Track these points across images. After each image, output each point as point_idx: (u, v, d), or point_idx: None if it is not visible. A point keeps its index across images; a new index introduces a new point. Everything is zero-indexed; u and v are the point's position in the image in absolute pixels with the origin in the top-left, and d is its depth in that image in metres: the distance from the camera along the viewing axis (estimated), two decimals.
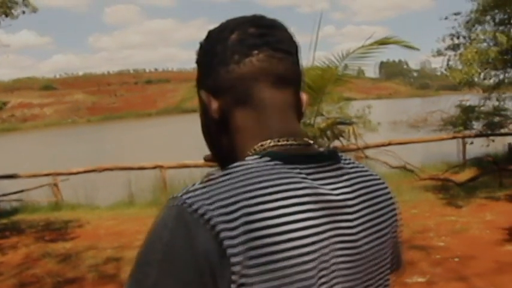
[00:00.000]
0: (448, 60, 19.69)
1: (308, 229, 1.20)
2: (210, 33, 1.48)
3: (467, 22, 19.11)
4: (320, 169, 1.32)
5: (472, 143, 19.44)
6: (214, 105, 1.41)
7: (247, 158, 1.29)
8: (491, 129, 20.48)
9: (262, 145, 1.34)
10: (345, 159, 1.45)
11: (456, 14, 19.37)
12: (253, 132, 1.38)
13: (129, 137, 74.30)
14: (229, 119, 1.40)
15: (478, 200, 13.02)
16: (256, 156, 1.29)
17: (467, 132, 19.87)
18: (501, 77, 20.00)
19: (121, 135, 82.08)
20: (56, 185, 17.45)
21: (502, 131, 21.00)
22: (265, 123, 1.38)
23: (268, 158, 1.27)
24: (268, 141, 1.35)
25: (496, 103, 20.66)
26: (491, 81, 20.31)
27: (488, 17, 18.63)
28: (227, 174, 1.23)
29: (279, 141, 1.34)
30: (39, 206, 17.07)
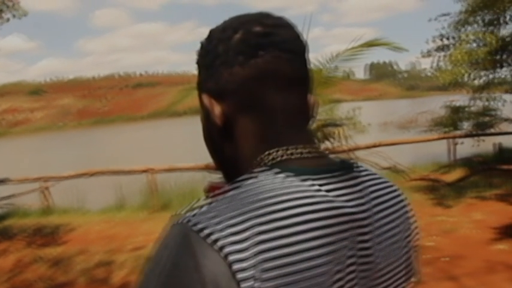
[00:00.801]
0: (437, 61, 19.75)
1: (324, 247, 1.11)
2: (212, 33, 1.38)
3: (456, 23, 19.15)
4: (333, 179, 1.22)
5: (462, 143, 19.53)
6: (217, 109, 1.31)
7: (255, 171, 1.21)
8: (481, 129, 20.58)
9: (269, 154, 1.25)
10: (359, 168, 1.34)
11: (445, 14, 19.42)
12: (259, 139, 1.29)
13: (119, 141, 74.31)
14: (234, 124, 1.31)
15: (467, 199, 13.06)
16: (265, 168, 1.21)
17: (456, 133, 19.95)
18: (490, 77, 20.08)
19: (111, 139, 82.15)
20: (46, 189, 17.37)
21: (492, 130, 21.12)
22: (272, 130, 1.28)
23: (278, 170, 1.19)
24: (277, 150, 1.25)
25: (485, 103, 20.73)
26: (480, 81, 20.38)
27: (477, 18, 18.69)
28: (235, 189, 1.15)
29: (287, 149, 1.25)
30: (30, 211, 16.98)
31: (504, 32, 19.04)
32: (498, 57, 18.40)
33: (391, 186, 1.41)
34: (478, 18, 18.72)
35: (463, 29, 19.06)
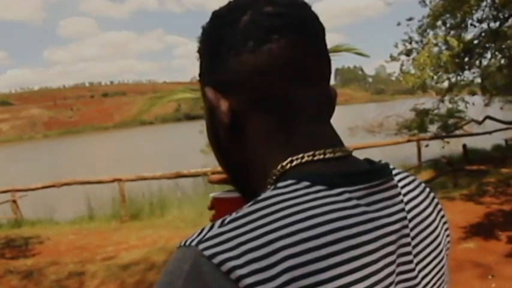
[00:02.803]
0: (402, 65, 19.96)
1: (368, 279, 0.91)
2: (215, 15, 1.18)
3: (420, 27, 19.39)
4: (371, 190, 1.02)
5: (427, 145, 19.76)
6: (224, 105, 1.10)
7: (280, 185, 0.97)
8: (447, 131, 20.85)
9: (292, 161, 1.04)
10: (391, 170, 1.14)
11: (409, 19, 19.64)
12: (277, 141, 1.08)
13: (87, 151, 73.94)
14: (244, 122, 1.10)
15: None
16: (291, 181, 0.97)
17: (422, 135, 20.21)
18: (453, 80, 20.32)
19: (79, 149, 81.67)
20: (14, 201, 17.24)
21: (457, 132, 21.40)
22: (293, 129, 1.08)
23: (307, 183, 0.97)
24: (301, 155, 1.04)
25: (451, 106, 20.98)
26: (446, 84, 20.62)
27: (440, 22, 18.92)
28: (256, 211, 0.92)
29: (314, 155, 1.04)
30: None
31: (468, 35, 19.33)
32: (460, 60, 18.64)
33: (423, 186, 1.24)
34: (441, 22, 18.97)
35: (426, 33, 19.32)
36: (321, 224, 0.90)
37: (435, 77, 19.32)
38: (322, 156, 1.04)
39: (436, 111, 21.07)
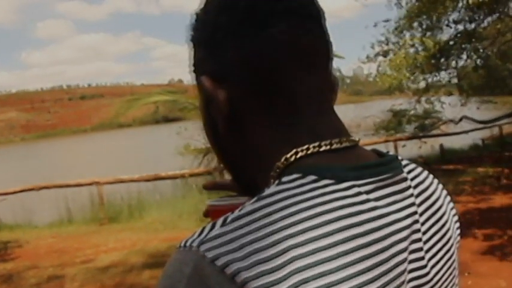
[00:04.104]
0: (378, 66, 20.07)
1: (379, 279, 0.87)
2: (210, 1, 1.10)
3: (396, 28, 19.50)
4: (381, 183, 0.97)
5: (404, 145, 19.87)
6: (221, 95, 1.03)
7: (284, 179, 0.91)
8: (423, 132, 20.99)
9: (297, 153, 0.97)
10: (400, 162, 1.08)
11: (386, 21, 19.75)
12: (280, 132, 1.02)
13: (65, 154, 73.54)
14: (244, 113, 1.04)
15: None
16: (296, 176, 0.91)
17: (399, 135, 20.34)
18: (430, 80, 20.46)
19: (57, 152, 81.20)
20: None
21: (434, 132, 21.55)
22: (296, 118, 1.01)
23: (314, 177, 0.91)
24: (306, 147, 0.97)
25: (427, 106, 21.12)
26: (422, 84, 20.74)
27: (416, 24, 19.05)
28: (261, 208, 0.86)
29: (320, 146, 0.97)
30: None
31: (444, 36, 19.48)
32: (436, 61, 18.77)
33: (431, 178, 1.19)
34: (417, 24, 19.10)
35: (402, 34, 19.43)
36: (330, 221, 0.85)
37: (412, 78, 19.45)
38: (328, 147, 0.98)
39: (413, 112, 21.21)
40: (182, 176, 15.69)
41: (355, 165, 0.96)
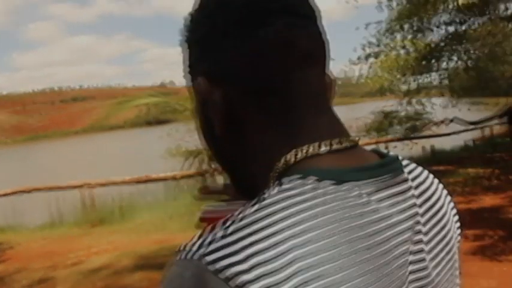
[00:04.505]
0: (369, 67, 20.11)
1: (380, 281, 0.87)
2: (205, 0, 1.08)
3: (387, 30, 19.54)
4: (382, 184, 0.96)
5: (395, 147, 19.91)
6: (218, 96, 1.02)
7: (284, 180, 0.90)
8: (413, 133, 21.07)
9: (296, 153, 0.96)
10: (401, 162, 1.08)
11: (377, 22, 19.79)
12: (279, 132, 1.00)
13: (55, 157, 73.40)
14: (242, 113, 1.03)
15: None
16: (296, 176, 0.90)
17: (390, 137, 20.41)
18: (420, 81, 20.55)
19: (47, 155, 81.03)
20: None
21: (425, 133, 21.63)
22: (295, 118, 1.00)
23: (315, 178, 0.89)
24: (306, 147, 0.96)
25: (416, 107, 21.20)
26: (412, 86, 20.81)
27: (405, 25, 19.09)
28: (260, 210, 0.84)
29: (320, 146, 0.96)
30: None
31: (434, 38, 19.55)
32: (426, 62, 18.83)
33: (432, 177, 1.18)
34: (407, 25, 19.15)
35: (392, 36, 19.50)
36: (331, 222, 0.84)
37: (402, 79, 19.52)
38: (328, 148, 0.96)
39: (403, 113, 21.30)
40: (173, 178, 15.71)
41: (356, 167, 0.95)
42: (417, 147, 20.91)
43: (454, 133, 22.56)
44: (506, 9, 19.54)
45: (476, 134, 24.29)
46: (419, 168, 1.14)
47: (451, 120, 22.84)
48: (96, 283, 9.23)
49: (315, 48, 1.04)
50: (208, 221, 1.19)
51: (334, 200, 0.87)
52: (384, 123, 21.19)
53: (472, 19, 19.20)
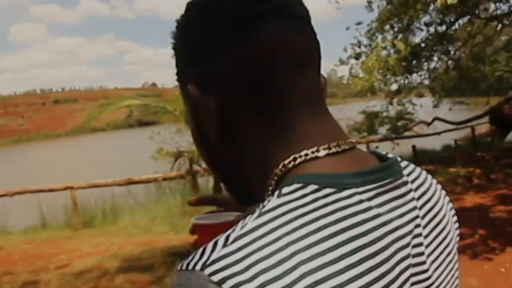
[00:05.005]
0: (351, 68, 20.18)
1: (382, 279, 0.86)
2: (192, 5, 1.06)
3: (369, 31, 19.63)
4: (382, 189, 0.94)
5: (377, 147, 20.00)
6: (210, 103, 1.01)
7: (285, 191, 0.87)
8: (396, 133, 21.18)
9: (295, 159, 0.94)
10: (400, 164, 1.06)
11: (358, 24, 19.87)
12: (275, 137, 0.98)
13: (39, 159, 73.02)
14: (236, 120, 1.01)
15: None
16: (296, 186, 0.88)
17: (372, 137, 20.51)
18: (402, 82, 20.64)
19: (31, 157, 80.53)
20: None
21: (407, 133, 21.74)
22: (291, 122, 0.98)
23: (315, 187, 0.87)
24: (304, 152, 0.94)
25: (399, 108, 21.31)
26: (394, 86, 20.93)
27: (387, 26, 19.17)
28: (263, 224, 0.82)
29: (318, 150, 0.94)
30: None
31: (415, 39, 19.67)
32: (407, 63, 18.93)
33: (430, 178, 1.16)
34: (389, 26, 19.23)
35: (374, 37, 19.57)
36: (335, 233, 0.82)
37: (383, 80, 19.60)
38: (327, 151, 0.95)
39: (385, 114, 21.40)
40: (155, 180, 15.68)
41: (356, 172, 0.93)
42: (399, 147, 21.01)
43: (435, 133, 22.68)
44: (486, 10, 19.72)
45: (458, 134, 24.44)
46: (418, 169, 1.13)
47: (433, 121, 22.99)
48: (80, 286, 9.22)
49: (309, 49, 1.02)
50: (200, 232, 1.27)
51: (336, 209, 0.85)
52: (365, 124, 21.29)
53: (452, 20, 19.31)
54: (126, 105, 11.66)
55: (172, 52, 1.12)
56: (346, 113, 25.24)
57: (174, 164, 12.57)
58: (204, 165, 11.59)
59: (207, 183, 14.68)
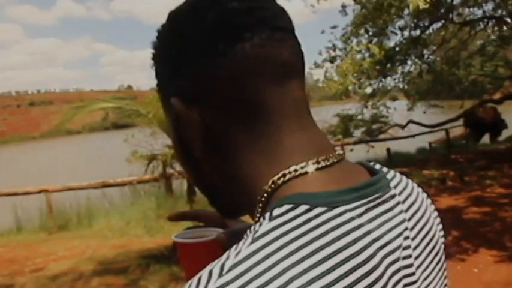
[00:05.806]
0: (326, 72, 20.24)
1: None
2: (174, 15, 1.03)
3: (343, 35, 19.72)
4: (371, 204, 0.93)
5: (352, 150, 20.12)
6: (194, 117, 0.98)
7: (276, 214, 0.85)
8: (370, 136, 21.29)
9: (284, 175, 0.92)
10: (389, 175, 1.07)
11: (333, 27, 19.95)
12: (262, 152, 0.96)
13: (14, 162, 72.57)
14: (221, 135, 0.98)
15: None
16: (287, 207, 0.85)
17: (346, 140, 20.62)
18: (375, 86, 20.76)
19: (6, 160, 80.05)
20: None
21: (381, 136, 21.86)
22: (278, 136, 0.96)
23: (306, 207, 0.85)
24: (293, 168, 0.92)
25: (374, 111, 21.44)
26: (368, 89, 21.02)
27: (362, 30, 19.27)
28: (258, 251, 0.80)
29: (307, 165, 0.93)
30: None
31: (390, 43, 19.81)
32: (381, 67, 19.04)
33: (416, 187, 1.15)
34: (363, 30, 19.33)
35: (349, 41, 19.66)
36: (330, 256, 0.81)
37: (358, 83, 19.69)
38: (316, 166, 0.93)
39: (360, 117, 21.52)
40: (130, 183, 15.63)
41: (346, 189, 0.91)
42: (374, 150, 21.15)
43: (410, 136, 22.81)
44: (460, 14, 19.91)
45: (433, 136, 24.63)
46: (405, 180, 1.12)
47: (407, 124, 23.13)
48: None
49: (295, 60, 1.00)
50: (181, 249, 1.25)
51: (329, 229, 0.84)
52: (340, 127, 21.39)
53: (426, 24, 19.48)
54: (100, 108, 11.61)
55: (149, 56, 1.09)
56: (321, 115, 25.36)
57: (148, 167, 12.54)
58: (178, 167, 11.55)
59: (181, 185, 14.67)
